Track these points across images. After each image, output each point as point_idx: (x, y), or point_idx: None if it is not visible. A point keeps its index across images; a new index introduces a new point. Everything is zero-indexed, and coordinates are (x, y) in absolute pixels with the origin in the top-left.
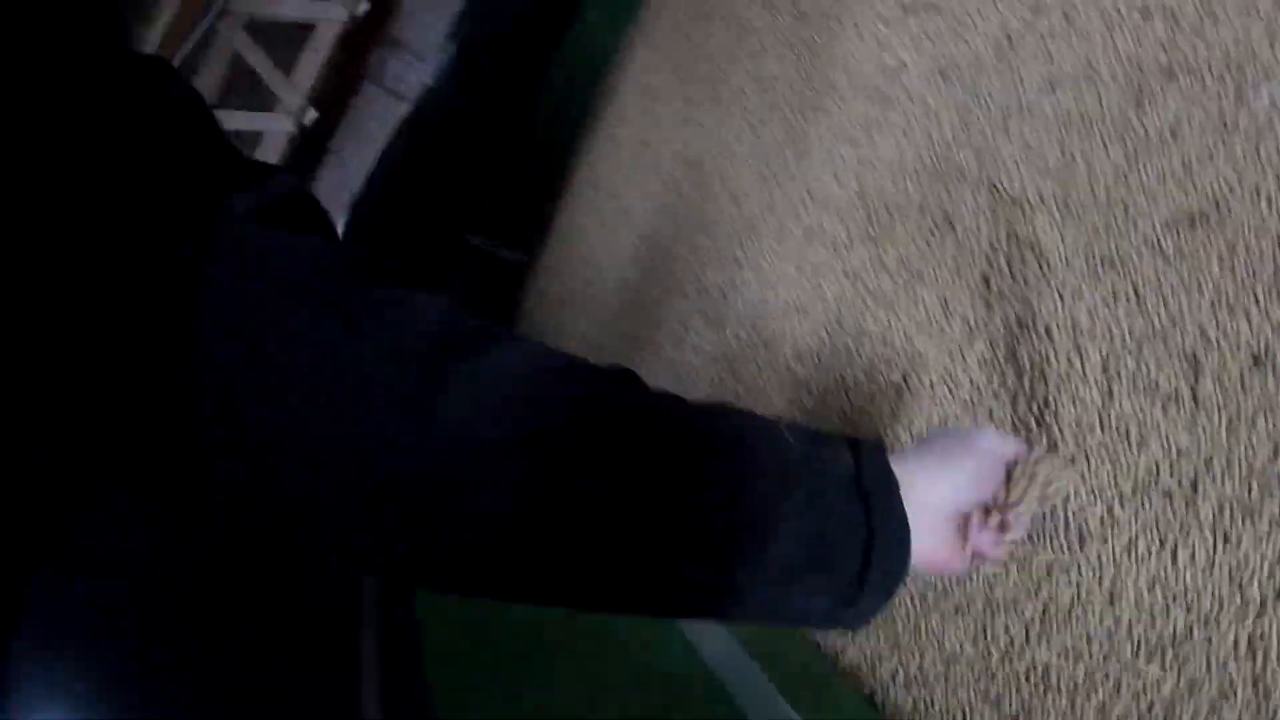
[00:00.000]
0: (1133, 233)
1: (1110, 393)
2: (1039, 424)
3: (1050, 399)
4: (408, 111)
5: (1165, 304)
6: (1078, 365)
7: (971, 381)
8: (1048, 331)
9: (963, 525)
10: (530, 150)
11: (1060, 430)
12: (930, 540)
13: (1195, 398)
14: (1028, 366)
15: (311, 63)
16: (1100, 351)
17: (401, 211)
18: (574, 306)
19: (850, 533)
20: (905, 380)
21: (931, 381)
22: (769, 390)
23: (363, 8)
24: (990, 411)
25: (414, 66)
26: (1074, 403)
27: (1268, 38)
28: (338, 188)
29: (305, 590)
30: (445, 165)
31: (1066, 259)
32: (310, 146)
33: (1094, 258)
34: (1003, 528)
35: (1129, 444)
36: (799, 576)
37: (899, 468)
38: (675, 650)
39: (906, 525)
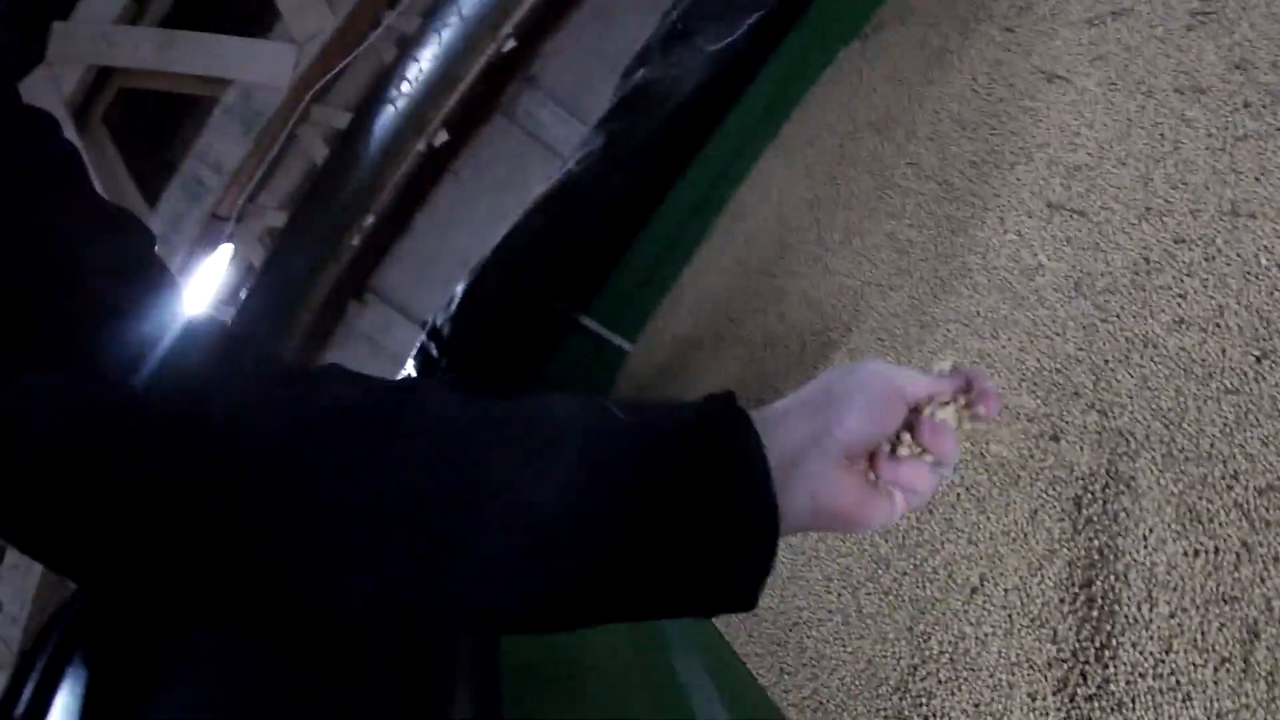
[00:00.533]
0: (1226, 492)
1: (1170, 646)
2: (1097, 659)
3: (1113, 639)
4: (546, 189)
5: (1240, 569)
6: (1145, 613)
7: (1044, 598)
8: (1125, 573)
9: (867, 466)
10: (651, 246)
11: (1114, 670)
12: (824, 487)
13: (1246, 665)
14: (1099, 600)
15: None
16: (1169, 604)
17: (521, 283)
18: None
19: (701, 489)
20: (981, 582)
21: (1006, 589)
22: (851, 564)
23: (509, 45)
24: (1055, 632)
25: (550, 109)
26: (1134, 647)
27: None
28: (453, 204)
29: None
30: (572, 247)
31: (1159, 504)
32: (433, 164)
33: (1184, 509)
34: (924, 449)
35: (1176, 696)
36: (655, 552)
37: (763, 413)
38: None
39: (762, 469)
